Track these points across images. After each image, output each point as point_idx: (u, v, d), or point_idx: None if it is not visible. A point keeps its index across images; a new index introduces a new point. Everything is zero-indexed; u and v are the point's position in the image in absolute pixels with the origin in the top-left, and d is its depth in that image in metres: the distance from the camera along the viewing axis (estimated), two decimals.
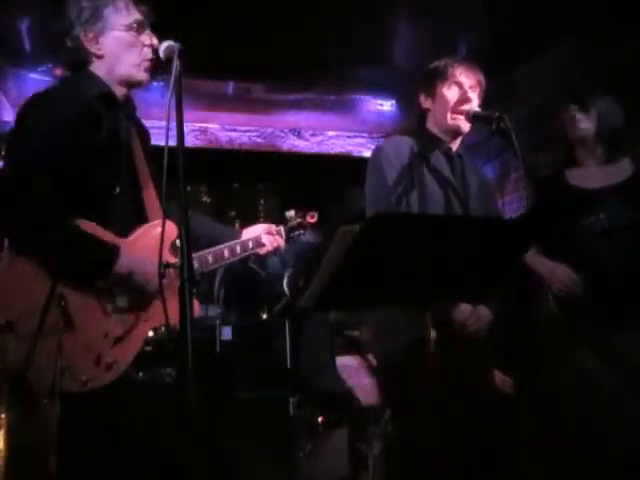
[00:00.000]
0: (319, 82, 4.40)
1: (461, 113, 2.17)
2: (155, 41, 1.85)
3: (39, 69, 4.01)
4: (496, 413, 2.07)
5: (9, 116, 4.41)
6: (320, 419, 3.47)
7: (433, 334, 1.70)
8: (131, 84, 1.93)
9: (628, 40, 3.31)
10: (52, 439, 1.67)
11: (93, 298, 1.72)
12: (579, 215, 2.43)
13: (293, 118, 5.11)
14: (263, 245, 2.16)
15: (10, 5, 3.33)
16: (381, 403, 2.25)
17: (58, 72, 4.03)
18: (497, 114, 1.98)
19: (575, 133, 2.55)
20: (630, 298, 2.28)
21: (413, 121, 2.38)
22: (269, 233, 2.19)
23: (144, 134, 2.04)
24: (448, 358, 1.71)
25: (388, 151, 2.18)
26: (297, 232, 2.27)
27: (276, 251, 2.22)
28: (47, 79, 4.08)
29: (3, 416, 1.90)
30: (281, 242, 2.21)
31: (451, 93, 2.19)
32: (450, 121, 2.19)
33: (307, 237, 2.34)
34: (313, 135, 5.45)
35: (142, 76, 1.90)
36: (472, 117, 2.13)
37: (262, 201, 5.56)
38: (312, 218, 2.30)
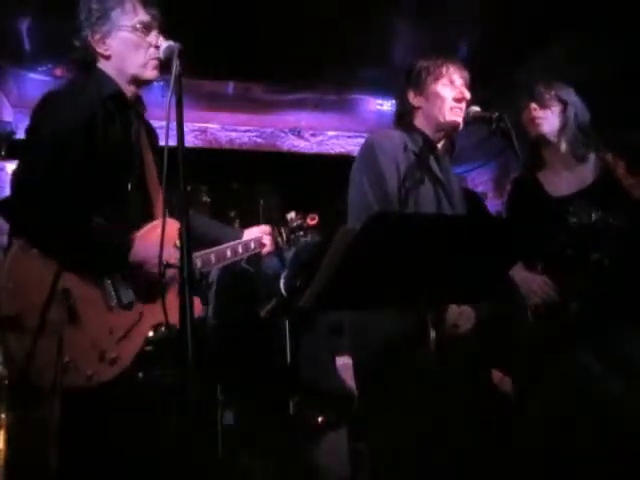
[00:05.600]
0: (319, 82, 4.40)
1: (460, 110, 2.16)
2: (161, 41, 1.86)
3: (39, 69, 4.01)
4: (492, 413, 2.07)
5: (9, 116, 4.41)
6: (320, 419, 3.46)
7: (433, 334, 1.70)
8: (140, 82, 1.96)
9: (627, 41, 3.31)
10: (52, 439, 1.67)
11: (98, 294, 1.75)
12: (551, 224, 2.38)
13: (293, 118, 5.11)
14: (264, 245, 2.19)
15: (10, 5, 3.34)
16: (360, 403, 2.22)
17: (58, 72, 4.03)
18: (497, 114, 1.98)
19: (537, 133, 2.44)
20: (628, 298, 2.27)
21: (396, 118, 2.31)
22: (270, 234, 2.22)
23: (152, 133, 2.07)
24: (444, 358, 1.71)
25: (384, 145, 2.13)
26: (298, 234, 2.29)
27: (277, 251, 2.26)
28: (47, 79, 4.08)
29: (3, 416, 1.91)
30: (282, 243, 2.24)
31: (447, 91, 2.18)
32: (448, 118, 2.17)
33: (308, 238, 2.33)
34: (313, 135, 5.45)
35: (150, 74, 1.93)
36: (472, 117, 2.12)
37: (262, 201, 5.54)
38: (312, 220, 2.30)
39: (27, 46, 3.72)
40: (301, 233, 2.29)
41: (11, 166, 4.38)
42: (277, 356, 3.72)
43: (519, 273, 2.40)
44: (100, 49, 1.91)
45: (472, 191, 4.16)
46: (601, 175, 2.42)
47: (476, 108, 2.12)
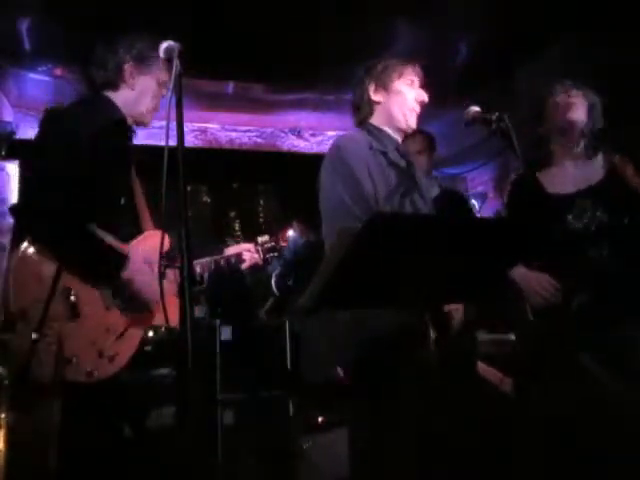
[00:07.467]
0: (319, 82, 4.40)
1: (416, 110, 2.22)
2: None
3: (39, 69, 4.01)
4: (489, 411, 2.07)
5: (9, 116, 4.41)
6: (320, 419, 3.47)
7: (433, 334, 1.70)
8: (138, 122, 2.19)
9: (627, 40, 3.31)
10: (52, 439, 1.69)
11: (97, 293, 1.86)
12: (555, 221, 2.39)
13: (293, 118, 5.11)
14: (244, 261, 2.38)
15: (10, 5, 3.34)
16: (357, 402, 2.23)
17: (58, 72, 4.03)
18: (497, 114, 1.98)
19: (569, 119, 2.44)
20: (630, 297, 2.27)
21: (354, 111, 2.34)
22: (249, 251, 2.41)
23: (137, 158, 2.24)
24: (442, 356, 1.71)
25: (351, 147, 2.14)
26: (271, 254, 2.53)
27: (255, 267, 2.48)
28: (47, 79, 4.09)
29: (3, 416, 1.92)
30: (259, 260, 2.44)
31: (408, 90, 2.22)
32: (408, 121, 2.21)
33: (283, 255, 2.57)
34: (313, 135, 5.45)
35: (148, 120, 2.21)
36: (472, 117, 2.12)
37: (262, 201, 5.56)
38: (284, 241, 2.55)
39: (27, 46, 3.72)
40: (275, 253, 2.54)
41: (11, 166, 4.38)
42: (277, 356, 3.72)
43: (519, 270, 2.41)
44: (129, 80, 2.13)
45: (454, 190, 4.16)
46: (608, 175, 2.43)
47: (476, 108, 2.12)
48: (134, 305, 1.90)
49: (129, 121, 2.16)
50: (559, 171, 2.50)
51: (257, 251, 2.45)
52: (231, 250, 2.38)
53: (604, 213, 2.35)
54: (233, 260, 2.35)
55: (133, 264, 1.89)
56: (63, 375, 1.70)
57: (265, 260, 2.50)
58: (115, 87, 2.14)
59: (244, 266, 2.38)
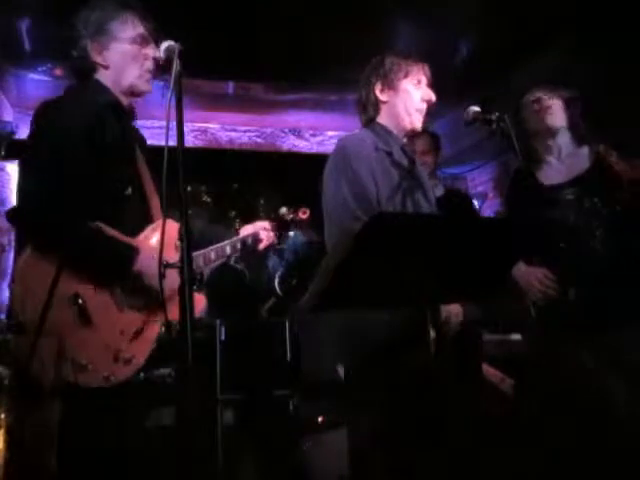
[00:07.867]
0: (319, 82, 4.40)
1: (422, 113, 2.21)
2: (158, 54, 1.87)
3: (39, 69, 4.01)
4: (489, 411, 2.07)
5: (9, 116, 4.41)
6: (320, 419, 3.46)
7: (433, 334, 1.70)
8: (134, 94, 2.02)
9: (627, 40, 3.31)
10: (52, 439, 1.68)
11: (109, 296, 1.79)
12: (545, 212, 2.42)
13: (293, 118, 5.11)
14: (261, 241, 2.25)
15: (10, 5, 3.34)
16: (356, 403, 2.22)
17: (58, 72, 4.04)
18: (497, 114, 1.98)
19: (547, 124, 2.53)
20: (623, 282, 2.28)
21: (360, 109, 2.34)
22: (265, 229, 2.28)
23: (143, 141, 2.12)
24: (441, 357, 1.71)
25: (356, 148, 2.14)
26: (289, 228, 2.38)
27: (273, 247, 2.33)
28: (47, 79, 4.09)
29: (3, 416, 1.91)
30: (275, 239, 2.31)
31: (415, 90, 2.20)
32: (413, 122, 2.20)
33: (300, 232, 2.41)
34: (313, 135, 5.45)
35: (145, 87, 2.01)
36: (472, 117, 2.12)
37: (262, 201, 5.55)
38: (304, 214, 2.39)
39: (27, 46, 3.72)
40: (293, 227, 2.38)
41: (11, 166, 4.38)
42: (277, 356, 3.72)
43: (518, 267, 2.42)
44: (98, 59, 1.96)
45: (458, 190, 4.17)
46: (594, 164, 2.48)
47: (476, 108, 2.12)
48: (144, 300, 1.82)
49: (124, 101, 1.99)
50: (547, 166, 2.57)
51: (274, 228, 2.31)
52: (246, 230, 2.26)
53: (592, 201, 2.38)
54: (250, 241, 2.22)
55: (143, 257, 1.80)
56: (76, 379, 1.66)
57: (282, 236, 2.34)
58: (94, 70, 1.97)
59: (261, 246, 2.24)
